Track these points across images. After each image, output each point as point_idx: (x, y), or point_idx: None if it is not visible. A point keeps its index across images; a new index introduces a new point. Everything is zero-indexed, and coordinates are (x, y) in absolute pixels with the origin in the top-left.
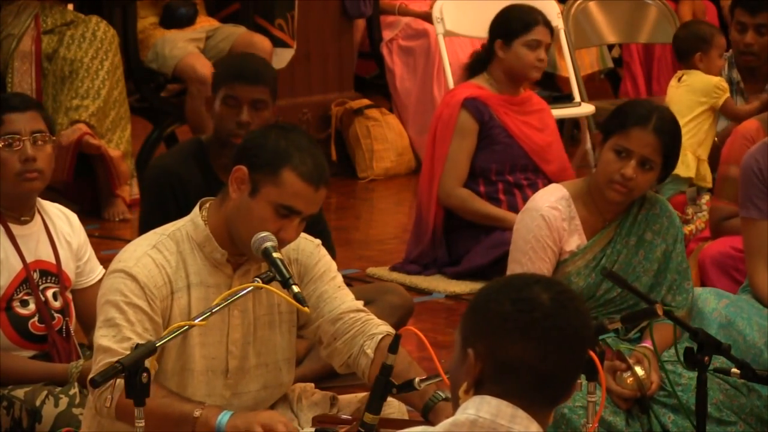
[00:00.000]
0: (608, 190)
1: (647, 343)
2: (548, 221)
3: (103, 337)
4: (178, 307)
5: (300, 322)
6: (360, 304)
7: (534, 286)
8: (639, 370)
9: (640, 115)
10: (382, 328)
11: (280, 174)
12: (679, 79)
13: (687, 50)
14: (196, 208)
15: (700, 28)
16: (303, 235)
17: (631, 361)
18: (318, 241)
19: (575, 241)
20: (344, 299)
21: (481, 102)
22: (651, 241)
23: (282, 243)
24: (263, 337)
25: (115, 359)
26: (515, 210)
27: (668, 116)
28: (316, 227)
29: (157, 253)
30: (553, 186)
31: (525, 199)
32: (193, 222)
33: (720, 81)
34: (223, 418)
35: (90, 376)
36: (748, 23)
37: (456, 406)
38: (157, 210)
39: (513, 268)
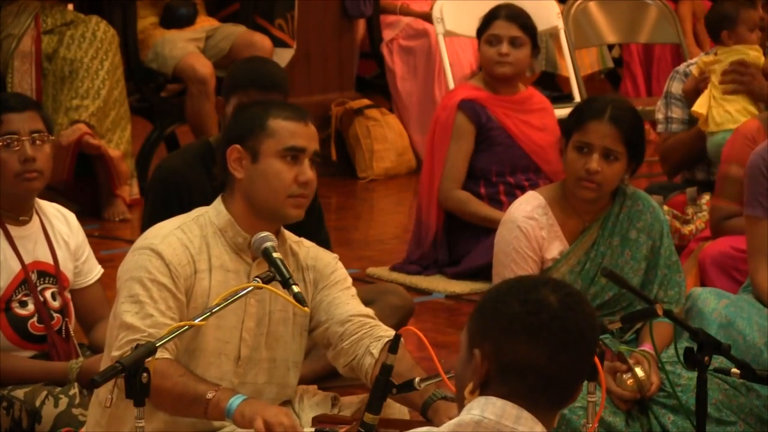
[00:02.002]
0: (578, 189)
1: (646, 346)
2: (525, 232)
3: (126, 313)
4: (200, 288)
5: (311, 325)
6: (371, 312)
7: (542, 288)
8: (639, 372)
9: (595, 108)
10: (390, 332)
11: (268, 126)
12: (715, 53)
13: (713, 30)
14: (218, 198)
15: (723, 7)
16: (321, 248)
17: (631, 362)
18: (336, 256)
19: (557, 247)
20: (356, 306)
21: (478, 103)
22: (636, 239)
23: (306, 187)
24: (275, 332)
25: (137, 336)
26: None
27: (624, 106)
28: (317, 235)
29: (182, 234)
30: (528, 194)
31: None
32: (215, 209)
33: (757, 54)
34: (234, 402)
35: (112, 353)
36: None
37: (462, 406)
38: (162, 211)
39: (497, 282)
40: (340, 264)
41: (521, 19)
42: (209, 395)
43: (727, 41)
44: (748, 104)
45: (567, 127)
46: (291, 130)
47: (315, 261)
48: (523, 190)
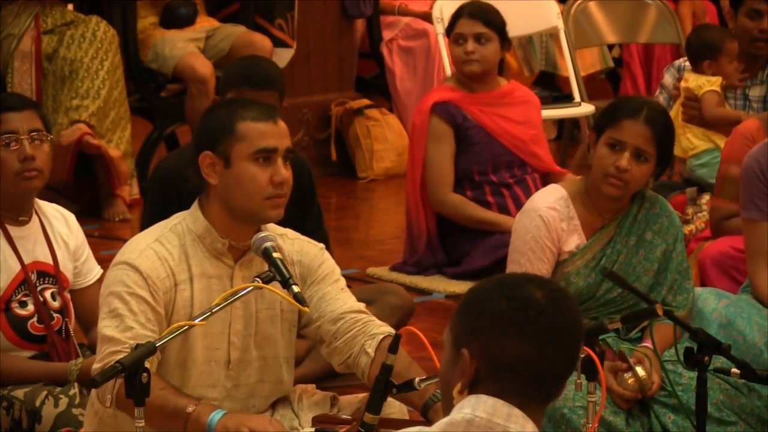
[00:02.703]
0: (604, 185)
1: (648, 344)
2: (546, 222)
3: (106, 327)
4: (182, 299)
5: (302, 322)
6: (362, 306)
7: (527, 285)
8: (640, 371)
9: (631, 107)
10: (384, 328)
11: (236, 130)
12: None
13: (696, 58)
14: (195, 203)
15: (709, 35)
16: (307, 239)
17: (632, 361)
18: (321, 245)
19: (574, 241)
20: (346, 301)
21: (452, 105)
22: (651, 240)
23: (282, 187)
24: (264, 331)
25: (118, 347)
26: (506, 211)
27: (659, 108)
28: (315, 235)
29: (160, 246)
30: (551, 186)
31: (514, 198)
32: (192, 215)
33: (712, 79)
34: (215, 416)
35: (93, 365)
36: (763, 10)
37: (448, 406)
38: (161, 211)
39: (512, 269)
40: (326, 254)
41: (485, 15)
42: (189, 409)
43: (707, 70)
44: (705, 129)
45: (599, 123)
46: (260, 132)
47: (301, 255)
48: (510, 188)
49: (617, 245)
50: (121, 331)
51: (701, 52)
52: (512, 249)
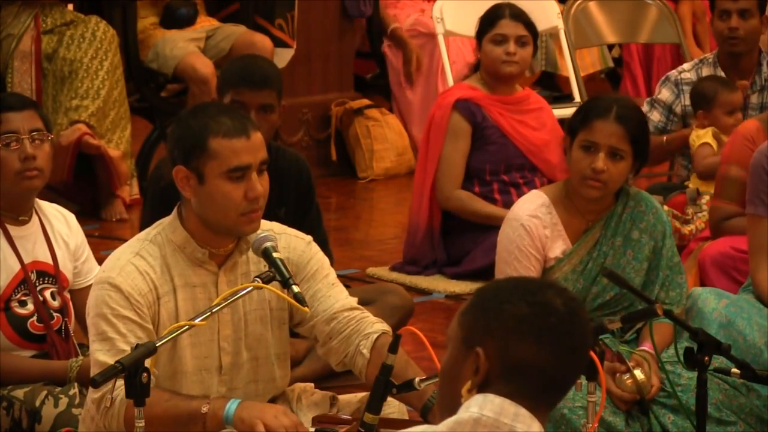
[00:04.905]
0: (583, 188)
1: (646, 346)
2: (529, 230)
3: (98, 352)
4: (166, 312)
5: (295, 320)
6: (354, 301)
7: (547, 291)
8: (639, 374)
9: (601, 107)
10: (377, 326)
11: (209, 147)
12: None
13: (693, 107)
14: (175, 211)
15: (704, 86)
16: (294, 232)
17: (631, 364)
18: (309, 238)
19: (560, 246)
20: (338, 297)
21: (473, 103)
22: (638, 239)
23: (257, 201)
24: (254, 332)
25: None
26: None
27: (629, 105)
28: (314, 235)
29: (141, 260)
30: (532, 193)
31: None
32: (172, 225)
33: (701, 132)
34: (231, 407)
35: (89, 395)
36: (731, 9)
37: (447, 402)
38: (160, 213)
39: None
40: (314, 248)
41: (525, 18)
42: (204, 409)
43: (703, 121)
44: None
45: (572, 126)
46: (233, 149)
47: (288, 251)
48: (518, 188)
49: (603, 247)
50: (113, 355)
51: (696, 102)
52: (498, 259)
